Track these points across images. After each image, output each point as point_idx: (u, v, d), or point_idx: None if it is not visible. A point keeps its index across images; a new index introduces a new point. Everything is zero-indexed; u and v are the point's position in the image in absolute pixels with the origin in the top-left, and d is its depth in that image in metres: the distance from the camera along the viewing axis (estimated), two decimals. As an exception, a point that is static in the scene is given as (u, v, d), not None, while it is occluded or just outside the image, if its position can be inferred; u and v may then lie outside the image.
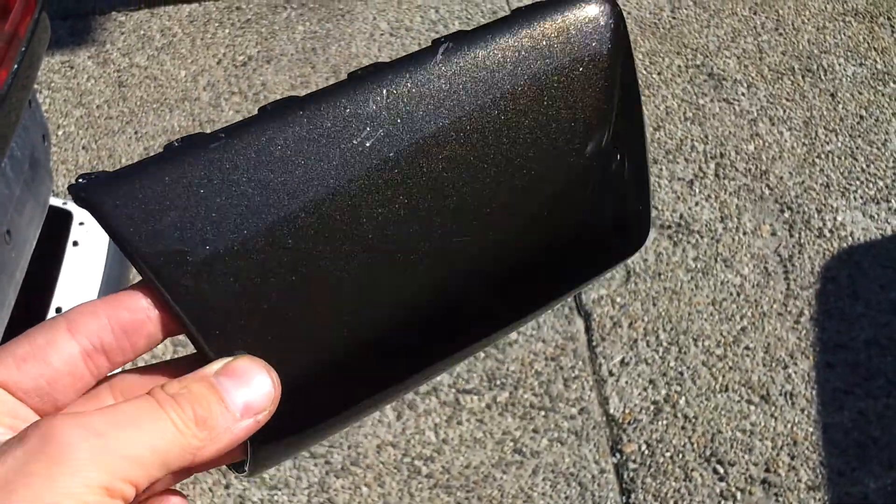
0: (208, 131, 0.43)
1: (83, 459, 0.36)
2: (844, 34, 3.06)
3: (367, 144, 0.44)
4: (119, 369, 0.42)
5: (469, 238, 0.47)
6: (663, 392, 2.16)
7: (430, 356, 0.48)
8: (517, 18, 0.49)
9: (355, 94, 0.45)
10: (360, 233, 0.44)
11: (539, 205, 0.49)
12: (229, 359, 0.41)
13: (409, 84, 0.46)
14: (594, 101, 0.50)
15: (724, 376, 2.19)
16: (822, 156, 2.68)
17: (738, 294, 2.35)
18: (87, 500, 0.35)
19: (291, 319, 0.43)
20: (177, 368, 0.43)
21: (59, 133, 2.79)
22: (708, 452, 2.07)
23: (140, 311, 0.41)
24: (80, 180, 0.40)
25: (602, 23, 0.49)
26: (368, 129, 0.44)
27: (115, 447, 0.36)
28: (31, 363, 0.39)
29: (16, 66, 1.56)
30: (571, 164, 0.49)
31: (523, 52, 0.48)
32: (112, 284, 1.85)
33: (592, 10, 0.50)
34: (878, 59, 2.97)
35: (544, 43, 0.49)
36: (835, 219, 2.52)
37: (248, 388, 0.40)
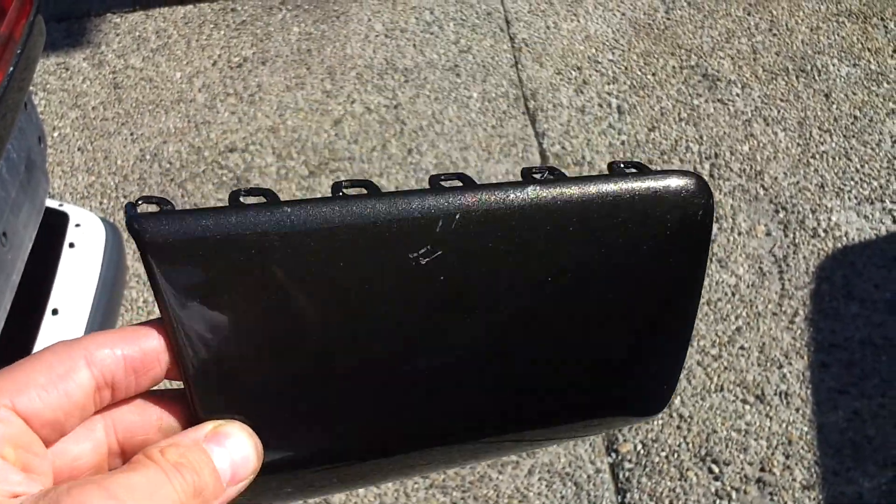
0: (275, 195, 0.43)
1: None
2: (838, 35, 3.06)
3: (423, 262, 0.44)
4: None
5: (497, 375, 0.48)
6: (658, 392, 2.17)
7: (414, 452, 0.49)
8: (611, 177, 0.48)
9: (430, 207, 0.44)
10: (385, 347, 0.45)
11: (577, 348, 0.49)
12: (218, 423, 0.43)
13: (484, 213, 0.44)
14: (662, 270, 0.50)
15: (719, 376, 2.19)
16: (817, 156, 2.69)
17: (733, 294, 2.35)
18: None
19: (293, 412, 0.44)
20: (161, 401, 0.44)
21: (55, 135, 2.79)
22: (703, 452, 2.07)
23: (153, 352, 0.42)
24: (137, 209, 0.41)
25: (694, 202, 0.49)
26: (429, 247, 0.44)
27: None
28: (52, 394, 0.40)
29: (11, 68, 1.56)
30: (620, 314, 0.50)
31: (611, 210, 0.48)
32: (108, 286, 1.85)
33: (687, 187, 0.49)
34: (871, 60, 2.98)
35: (633, 207, 0.48)
36: (829, 219, 2.52)
37: (235, 457, 0.42)
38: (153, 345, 0.42)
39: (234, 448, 0.42)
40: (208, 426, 0.43)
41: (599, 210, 0.47)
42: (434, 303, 0.44)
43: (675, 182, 0.49)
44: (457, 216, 0.44)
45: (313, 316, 0.43)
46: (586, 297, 0.48)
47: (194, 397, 0.42)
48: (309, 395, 0.44)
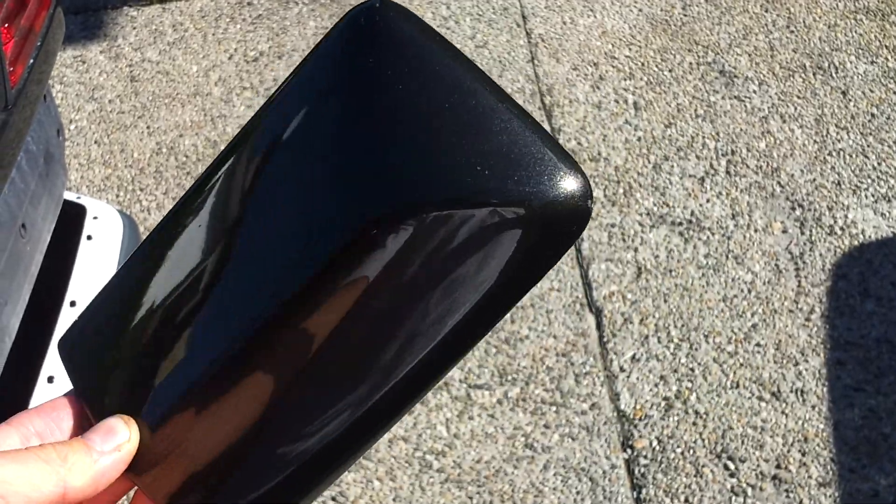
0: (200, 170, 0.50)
1: None
2: (856, 32, 3.05)
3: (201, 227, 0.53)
4: None
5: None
6: (674, 388, 2.17)
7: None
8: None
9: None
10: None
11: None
12: (97, 425, 0.51)
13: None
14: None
15: (735, 373, 2.19)
16: (834, 153, 2.68)
17: (749, 291, 2.35)
18: None
19: (159, 384, 0.52)
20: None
21: (72, 127, 2.80)
22: (719, 449, 2.07)
23: (61, 407, 0.53)
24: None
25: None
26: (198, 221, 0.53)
27: None
28: None
29: (31, 60, 1.57)
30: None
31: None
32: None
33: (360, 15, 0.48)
34: (889, 57, 2.97)
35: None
36: (846, 216, 2.52)
37: (106, 432, 0.50)
38: (60, 402, 0.53)
39: (106, 427, 0.50)
40: (90, 431, 0.51)
41: None
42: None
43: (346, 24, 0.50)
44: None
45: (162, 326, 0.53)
46: None
47: (94, 417, 0.52)
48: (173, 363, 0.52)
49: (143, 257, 0.54)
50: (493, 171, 0.44)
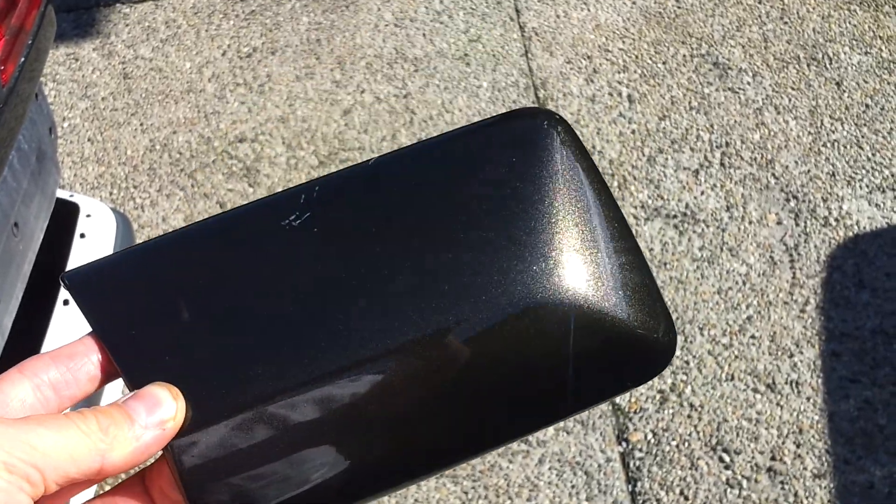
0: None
1: None
2: (850, 23, 3.05)
3: (296, 224, 0.51)
4: None
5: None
6: (669, 381, 2.17)
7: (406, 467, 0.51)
8: (456, 132, 0.53)
9: (291, 189, 0.52)
10: (278, 297, 0.50)
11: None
12: (139, 390, 0.48)
13: (339, 180, 0.52)
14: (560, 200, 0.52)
15: (729, 365, 2.19)
16: (828, 145, 2.68)
17: (744, 283, 2.35)
18: None
19: (214, 367, 0.49)
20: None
21: (65, 125, 2.80)
22: (714, 441, 2.07)
23: (78, 351, 0.49)
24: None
25: (547, 131, 0.52)
26: (298, 212, 0.51)
27: (16, 434, 0.42)
28: None
29: (22, 58, 1.56)
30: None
31: (467, 153, 0.52)
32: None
33: (533, 122, 0.53)
34: (883, 48, 2.97)
35: (486, 147, 0.52)
36: (840, 207, 2.52)
37: (154, 405, 0.47)
38: (78, 349, 0.49)
39: (151, 397, 0.47)
40: (130, 393, 0.48)
41: (448, 151, 0.52)
42: (320, 253, 0.50)
43: (515, 116, 0.53)
44: (315, 187, 0.51)
45: (215, 292, 0.50)
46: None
47: (126, 378, 0.49)
48: (232, 351, 0.49)
49: (227, 227, 0.52)
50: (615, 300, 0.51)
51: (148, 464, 0.50)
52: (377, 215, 0.50)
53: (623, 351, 0.51)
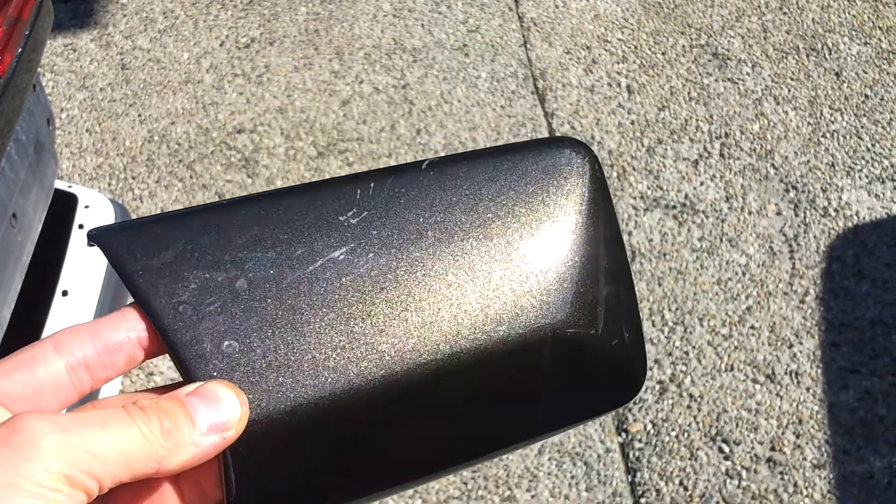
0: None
1: (46, 449, 0.38)
2: (849, 13, 3.04)
3: (354, 221, 0.50)
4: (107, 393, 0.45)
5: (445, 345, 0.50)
6: (669, 372, 2.17)
7: (423, 465, 0.51)
8: (498, 149, 0.54)
9: (346, 182, 0.51)
10: (339, 294, 0.48)
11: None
12: (201, 382, 0.44)
13: (393, 181, 0.51)
14: (577, 234, 0.53)
15: (729, 356, 2.19)
16: (828, 135, 2.68)
17: (744, 274, 2.35)
18: (46, 485, 0.37)
19: (271, 364, 0.46)
20: (160, 394, 0.45)
21: (63, 116, 2.79)
22: (713, 431, 2.07)
23: (120, 332, 0.45)
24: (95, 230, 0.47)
25: (577, 163, 0.54)
26: (355, 209, 0.50)
27: (79, 442, 0.38)
28: (17, 372, 0.42)
29: (20, 49, 1.56)
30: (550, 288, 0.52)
31: (502, 176, 0.53)
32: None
33: (567, 152, 0.55)
34: (882, 38, 2.96)
35: (522, 172, 0.54)
36: (840, 198, 2.51)
37: (216, 408, 0.43)
38: (121, 325, 0.45)
39: (214, 398, 0.43)
40: (191, 386, 0.44)
41: (485, 172, 0.53)
42: (378, 253, 0.50)
43: (551, 144, 0.55)
44: (371, 184, 0.51)
45: (274, 276, 0.48)
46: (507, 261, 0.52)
47: (182, 365, 0.45)
48: (291, 350, 0.47)
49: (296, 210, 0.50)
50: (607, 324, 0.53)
51: None
52: (418, 226, 0.51)
53: (594, 378, 0.54)
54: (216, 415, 0.43)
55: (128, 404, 0.42)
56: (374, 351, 0.48)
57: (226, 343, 0.46)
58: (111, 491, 0.42)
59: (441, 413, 0.50)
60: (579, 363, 0.52)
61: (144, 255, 0.46)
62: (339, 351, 0.47)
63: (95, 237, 0.46)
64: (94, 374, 0.44)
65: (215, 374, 0.45)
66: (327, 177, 2.56)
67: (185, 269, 0.46)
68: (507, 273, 0.51)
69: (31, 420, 0.38)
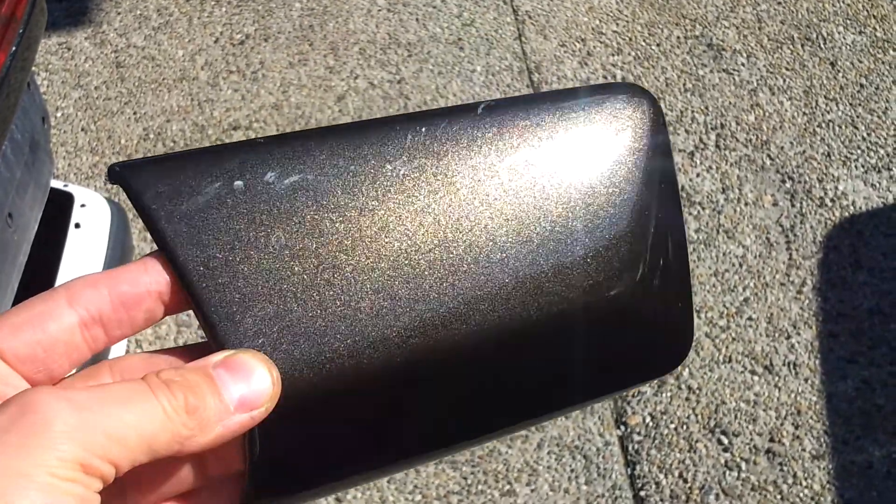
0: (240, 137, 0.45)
1: (60, 433, 0.35)
2: (843, 2, 3.04)
3: (402, 171, 0.45)
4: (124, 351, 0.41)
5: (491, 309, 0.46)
6: (667, 364, 2.17)
7: (451, 434, 0.47)
8: (559, 93, 0.50)
9: (395, 125, 0.46)
10: (384, 252, 0.44)
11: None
12: (231, 352, 0.40)
13: (446, 126, 0.47)
14: (631, 189, 0.50)
15: (727, 347, 2.19)
16: (823, 125, 2.68)
17: (741, 265, 2.35)
18: (59, 474, 0.34)
19: (307, 331, 0.42)
20: (182, 356, 0.42)
21: (58, 115, 2.79)
22: (712, 423, 2.07)
23: (141, 285, 0.40)
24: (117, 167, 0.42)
25: (643, 114, 0.51)
26: (404, 157, 0.45)
27: (96, 424, 0.35)
28: (26, 330, 0.39)
29: (14, 48, 1.55)
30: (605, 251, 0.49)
31: (561, 124, 0.49)
32: (114, 266, 1.85)
33: (634, 103, 0.51)
34: (877, 27, 2.96)
35: (583, 119, 0.50)
36: (836, 188, 2.51)
37: (246, 383, 0.39)
38: (142, 278, 0.41)
39: (245, 372, 0.39)
40: (220, 355, 0.40)
41: (552, 126, 0.49)
42: (422, 209, 0.46)
43: (612, 89, 0.51)
44: (422, 129, 0.46)
45: (314, 233, 0.43)
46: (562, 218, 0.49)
47: (210, 329, 0.41)
48: (329, 318, 0.43)
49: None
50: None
51: None
52: (468, 179, 0.47)
53: (642, 344, 0.51)
54: (246, 391, 0.39)
55: (150, 376, 0.38)
56: (417, 319, 0.44)
57: (259, 307, 0.41)
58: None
59: (484, 378, 0.47)
60: (626, 326, 0.50)
61: (173, 198, 0.41)
62: (378, 319, 0.43)
63: (117, 174, 0.41)
64: (109, 332, 0.40)
65: (246, 342, 0.41)
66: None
67: (218, 218, 0.41)
68: (558, 230, 0.48)
69: (45, 399, 0.35)
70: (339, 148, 0.44)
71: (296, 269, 0.42)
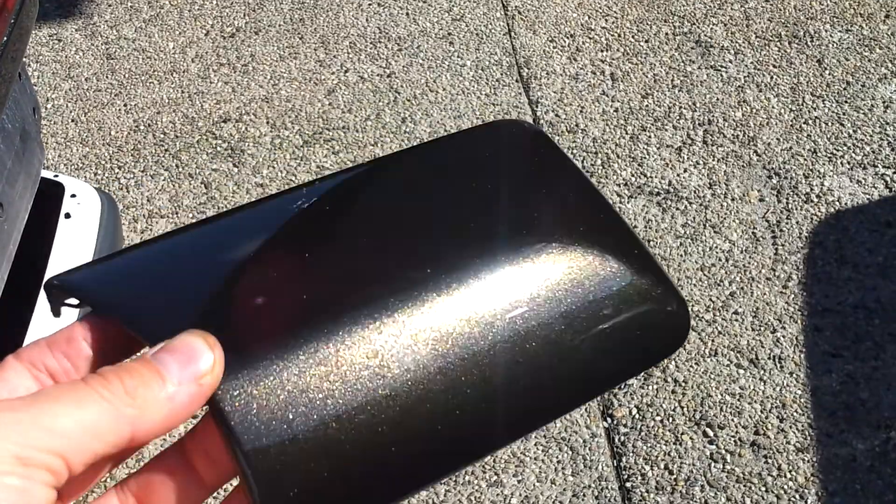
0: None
1: None
2: (830, 0, 3.06)
3: (304, 207, 0.50)
4: None
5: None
6: (653, 357, 2.18)
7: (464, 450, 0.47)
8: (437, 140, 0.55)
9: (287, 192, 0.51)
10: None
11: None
12: (168, 340, 0.41)
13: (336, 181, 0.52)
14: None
15: (713, 341, 2.21)
16: (810, 122, 2.69)
17: (727, 259, 2.36)
18: None
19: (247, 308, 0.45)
20: None
21: (49, 106, 2.79)
22: (698, 416, 2.09)
23: (76, 339, 0.43)
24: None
25: (516, 135, 0.56)
26: (301, 200, 0.50)
27: (29, 420, 0.36)
28: None
29: (5, 38, 1.56)
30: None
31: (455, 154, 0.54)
32: (104, 255, 1.85)
33: (504, 130, 0.57)
34: (864, 25, 2.98)
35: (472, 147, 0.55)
36: (822, 184, 2.53)
37: (186, 356, 0.40)
38: (75, 332, 0.43)
39: (182, 348, 0.40)
40: (159, 345, 0.41)
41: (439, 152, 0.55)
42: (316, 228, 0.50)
43: (487, 127, 0.56)
44: (315, 182, 0.52)
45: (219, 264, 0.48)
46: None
47: (142, 334, 0.43)
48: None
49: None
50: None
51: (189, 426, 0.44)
52: (390, 207, 0.50)
53: (647, 326, 0.51)
54: (187, 364, 0.40)
55: (87, 375, 0.40)
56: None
57: (184, 304, 0.45)
58: (125, 480, 0.41)
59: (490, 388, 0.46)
60: (623, 314, 0.50)
61: (95, 281, 0.46)
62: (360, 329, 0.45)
63: (56, 286, 0.46)
64: (56, 378, 0.42)
65: (182, 329, 0.42)
66: (311, 167, 2.58)
67: (131, 281, 0.47)
68: (488, 243, 0.49)
69: None
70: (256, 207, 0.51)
71: (224, 294, 0.46)
